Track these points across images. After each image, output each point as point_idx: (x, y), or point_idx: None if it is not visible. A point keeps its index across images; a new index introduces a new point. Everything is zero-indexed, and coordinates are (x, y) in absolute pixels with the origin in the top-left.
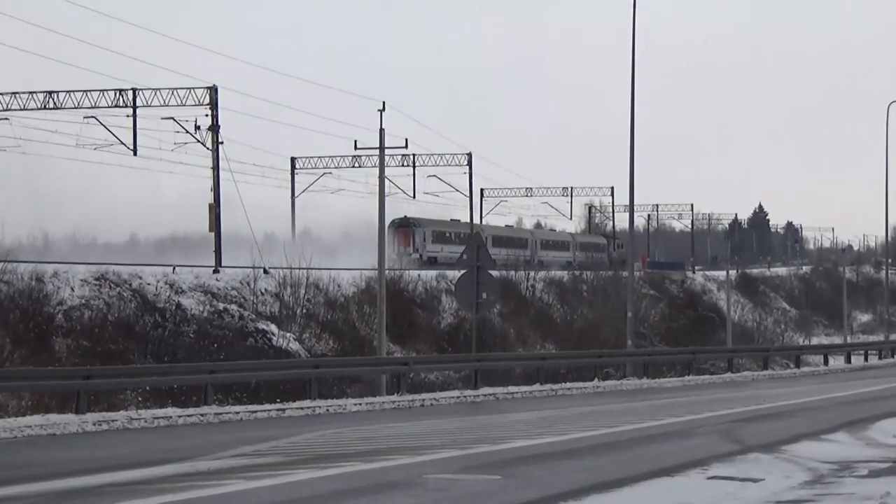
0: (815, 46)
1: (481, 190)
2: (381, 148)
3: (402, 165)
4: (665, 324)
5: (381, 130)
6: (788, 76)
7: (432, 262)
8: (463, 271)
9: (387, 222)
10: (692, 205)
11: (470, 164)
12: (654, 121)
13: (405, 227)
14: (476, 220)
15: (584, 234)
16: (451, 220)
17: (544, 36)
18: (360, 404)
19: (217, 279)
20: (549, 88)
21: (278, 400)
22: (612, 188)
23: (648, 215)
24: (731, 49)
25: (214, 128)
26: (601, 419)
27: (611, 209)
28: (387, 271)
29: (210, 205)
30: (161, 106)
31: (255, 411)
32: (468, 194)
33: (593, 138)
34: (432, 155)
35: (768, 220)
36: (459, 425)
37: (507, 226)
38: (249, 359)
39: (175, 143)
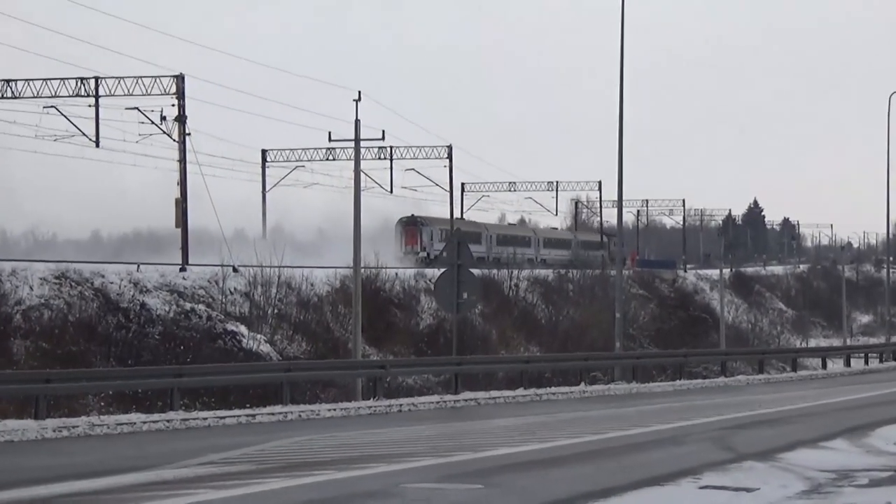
0: (812, 38)
1: (462, 184)
2: (357, 140)
3: (379, 158)
4: (655, 325)
5: (357, 121)
6: (785, 67)
7: (438, 261)
8: (443, 269)
9: (363, 218)
10: (684, 200)
11: (450, 157)
12: (645, 114)
13: (412, 225)
14: (456, 215)
15: (584, 232)
16: (458, 219)
17: (528, 26)
18: (335, 410)
19: (184, 278)
20: (533, 79)
21: (248, 405)
22: (600, 182)
23: (638, 211)
24: (723, 41)
25: (181, 118)
26: (588, 425)
27: (598, 204)
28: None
29: (176, 199)
30: (125, 95)
31: (224, 417)
32: (448, 189)
33: (580, 131)
34: (410, 147)
35: (764, 217)
36: (439, 432)
37: (510, 224)
38: (218, 361)
39: (140, 135)
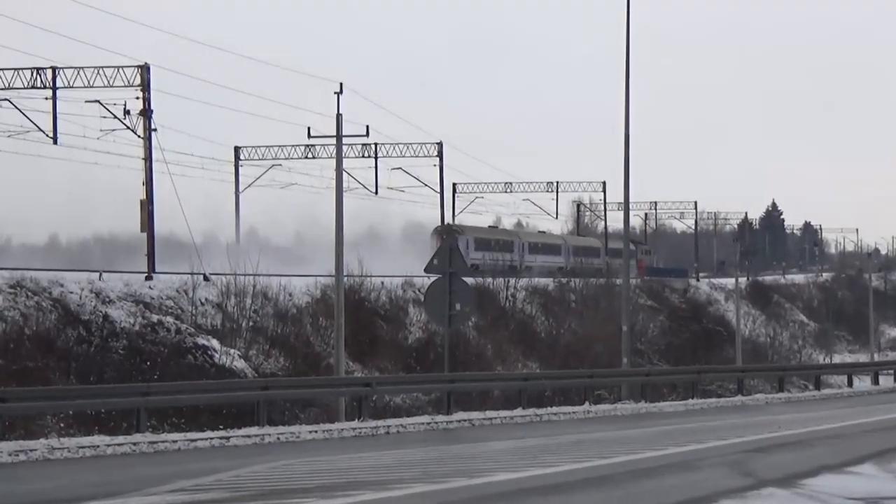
0: (834, 32)
1: (454, 185)
2: (339, 136)
3: (363, 157)
4: (665, 339)
5: (339, 116)
6: (806, 61)
7: (475, 270)
8: (435, 277)
9: (346, 221)
10: (696, 202)
11: (440, 155)
12: (653, 110)
13: (448, 234)
14: (448, 219)
15: (616, 239)
16: (489, 226)
17: (527, 15)
18: (316, 431)
19: (150, 287)
20: (531, 72)
21: (221, 426)
22: (604, 183)
23: (646, 214)
24: (741, 34)
25: (146, 112)
26: (593, 449)
27: (602, 207)
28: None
29: (142, 201)
30: (85, 87)
31: (195, 440)
32: (438, 189)
33: (582, 128)
34: (397, 145)
35: (783, 220)
36: (430, 456)
37: (540, 231)
38: (188, 379)
39: (101, 130)
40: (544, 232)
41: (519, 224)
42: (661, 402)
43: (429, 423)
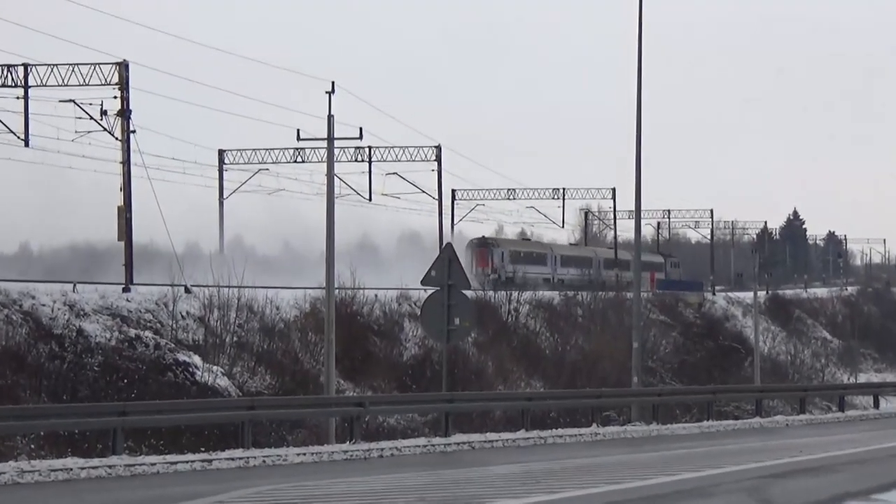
0: (856, 30)
1: (452, 191)
2: (330, 139)
3: (356, 160)
4: (679, 357)
5: (330, 117)
6: (829, 63)
7: (509, 283)
8: (432, 290)
9: (337, 230)
10: (712, 211)
11: (439, 159)
12: (666, 113)
13: (483, 247)
14: (447, 228)
15: (644, 254)
16: (522, 238)
17: (531, 13)
18: (304, 454)
19: (128, 300)
20: (534, 72)
21: (203, 449)
22: (614, 190)
23: (658, 223)
24: (758, 33)
25: (125, 113)
26: (601, 474)
27: (612, 215)
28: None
29: (119, 208)
30: (59, 86)
31: (175, 462)
32: (437, 196)
33: (590, 132)
34: (393, 148)
35: (805, 230)
36: (427, 481)
37: (571, 244)
38: (167, 397)
39: (76, 132)
40: (576, 244)
41: (523, 233)
42: (674, 423)
43: (425, 446)
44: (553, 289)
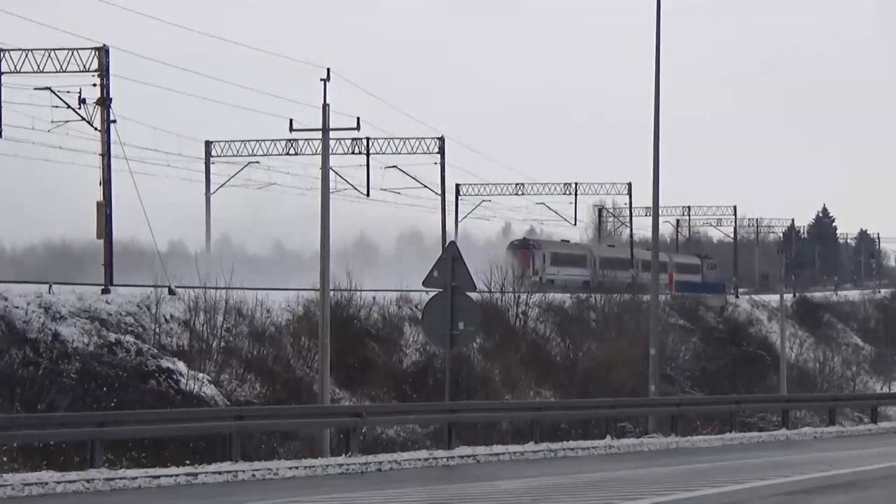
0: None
1: (457, 186)
2: (325, 129)
3: (353, 153)
4: (699, 364)
5: (325, 106)
6: (856, 48)
7: (550, 285)
8: (435, 292)
9: (333, 228)
10: (735, 207)
11: (442, 152)
12: (686, 104)
13: (525, 248)
14: (450, 225)
15: (680, 255)
16: (562, 240)
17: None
18: (297, 468)
19: (107, 302)
20: (546, 61)
21: (188, 462)
22: (629, 185)
23: (678, 221)
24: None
25: (105, 101)
26: (615, 489)
27: (628, 212)
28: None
29: (98, 203)
30: (34, 73)
31: (158, 476)
32: (440, 191)
33: (604, 123)
34: (393, 139)
35: (835, 229)
36: (428, 496)
37: (609, 245)
38: (150, 407)
39: (52, 122)
40: (613, 245)
41: (532, 231)
42: (694, 436)
43: (427, 460)
44: (591, 291)
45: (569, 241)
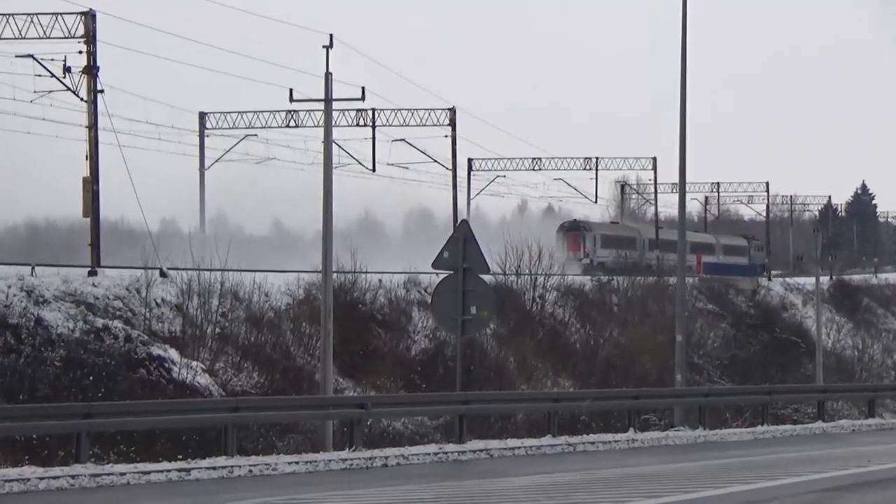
0: None
1: (469, 160)
2: (328, 100)
3: (358, 125)
4: (729, 352)
5: (328, 75)
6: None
7: (601, 268)
8: (445, 275)
9: (336, 205)
10: (767, 184)
11: (453, 124)
12: (715, 77)
13: (575, 230)
14: (462, 202)
15: (724, 235)
16: (611, 222)
17: None
18: (297, 463)
19: (94, 284)
20: (564, 27)
21: (180, 456)
22: (654, 160)
23: (706, 198)
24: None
25: (91, 70)
26: (639, 486)
27: (652, 188)
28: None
29: (85, 179)
30: (15, 39)
31: (148, 472)
32: (451, 166)
33: (627, 93)
34: (400, 111)
35: (875, 207)
36: (438, 494)
37: (659, 227)
38: (139, 397)
39: (35, 92)
40: (662, 227)
41: (550, 209)
42: (723, 429)
43: (436, 454)
44: (642, 274)
45: (618, 223)
